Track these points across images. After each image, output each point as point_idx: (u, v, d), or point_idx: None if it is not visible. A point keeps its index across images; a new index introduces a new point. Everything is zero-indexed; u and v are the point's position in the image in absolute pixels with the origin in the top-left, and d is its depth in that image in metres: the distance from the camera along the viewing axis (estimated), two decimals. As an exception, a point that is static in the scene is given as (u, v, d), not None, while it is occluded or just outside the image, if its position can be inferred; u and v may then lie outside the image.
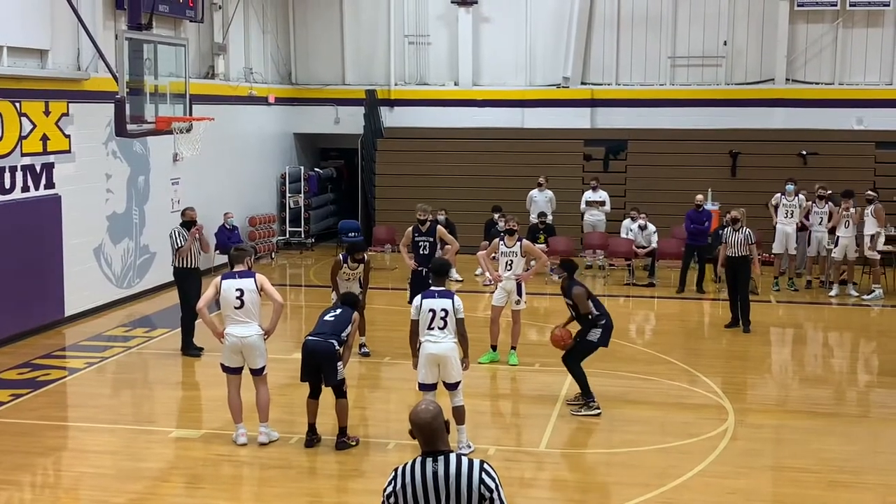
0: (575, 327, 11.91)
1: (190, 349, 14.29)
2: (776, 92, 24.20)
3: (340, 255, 13.77)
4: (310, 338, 10.36)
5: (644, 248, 20.48)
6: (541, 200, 21.87)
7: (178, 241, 14.20)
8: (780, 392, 13.28)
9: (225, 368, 10.53)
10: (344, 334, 10.42)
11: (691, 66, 24.90)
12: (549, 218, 21.07)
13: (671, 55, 24.92)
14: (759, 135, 23.95)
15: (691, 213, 19.67)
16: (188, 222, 14.38)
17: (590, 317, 11.62)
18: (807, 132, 23.75)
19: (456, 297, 10.13)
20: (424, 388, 10.10)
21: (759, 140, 23.87)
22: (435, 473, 4.98)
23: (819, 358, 15.58)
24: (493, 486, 4.98)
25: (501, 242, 13.91)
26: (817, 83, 24.30)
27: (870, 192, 19.46)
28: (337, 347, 10.29)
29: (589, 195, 22.03)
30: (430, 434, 5.04)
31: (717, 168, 23.56)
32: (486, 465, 5.03)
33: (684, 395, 12.66)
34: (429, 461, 5.00)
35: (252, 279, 10.48)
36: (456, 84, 25.60)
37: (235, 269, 10.64)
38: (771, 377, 14.21)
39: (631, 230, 20.81)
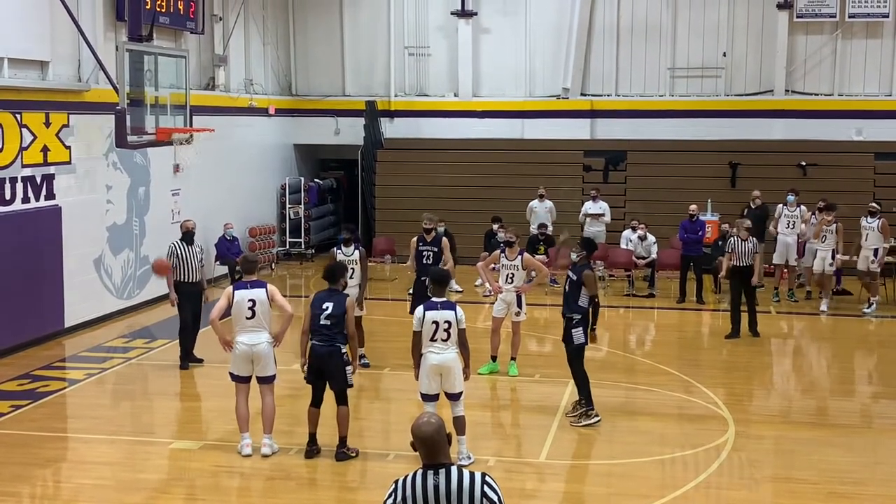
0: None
1: (188, 361, 14.23)
2: (775, 103, 24.24)
3: (335, 248, 13.97)
4: (315, 342, 10.32)
5: (644, 258, 20.50)
6: (541, 211, 21.88)
7: (169, 258, 14.22)
8: (781, 403, 13.27)
9: (234, 377, 10.53)
10: (346, 329, 10.39)
11: (691, 77, 24.95)
12: (550, 229, 21.07)
13: (671, 66, 24.97)
14: (758, 146, 23.98)
15: (685, 223, 19.72)
16: (188, 234, 14.34)
17: (582, 305, 11.62)
18: (806, 143, 23.79)
19: (458, 309, 10.14)
20: (427, 398, 10.10)
21: (759, 151, 23.90)
22: (436, 487, 4.97)
23: (819, 369, 15.57)
24: (495, 499, 4.97)
25: (502, 255, 13.91)
26: (816, 94, 24.34)
27: (873, 205, 19.35)
28: (343, 350, 10.30)
29: (589, 206, 22.05)
30: (432, 447, 5.03)
31: (716, 179, 23.59)
32: (487, 478, 5.02)
33: (684, 405, 12.65)
34: (430, 474, 4.99)
35: (263, 290, 10.54)
36: (456, 95, 25.65)
37: (246, 280, 10.66)
38: (771, 388, 14.20)
39: (631, 241, 20.82)
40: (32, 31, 15.36)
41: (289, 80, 26.19)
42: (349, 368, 10.32)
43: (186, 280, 14.19)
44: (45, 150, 15.66)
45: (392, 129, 25.78)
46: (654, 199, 23.25)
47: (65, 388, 13.47)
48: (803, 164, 23.44)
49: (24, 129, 15.19)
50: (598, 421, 11.60)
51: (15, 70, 15.14)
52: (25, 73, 15.46)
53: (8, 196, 14.90)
